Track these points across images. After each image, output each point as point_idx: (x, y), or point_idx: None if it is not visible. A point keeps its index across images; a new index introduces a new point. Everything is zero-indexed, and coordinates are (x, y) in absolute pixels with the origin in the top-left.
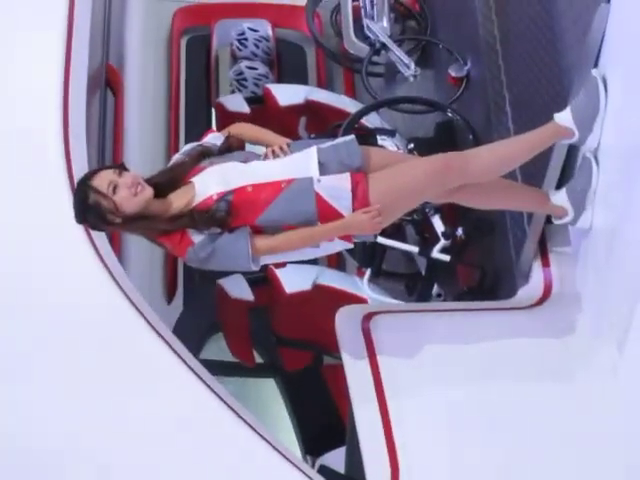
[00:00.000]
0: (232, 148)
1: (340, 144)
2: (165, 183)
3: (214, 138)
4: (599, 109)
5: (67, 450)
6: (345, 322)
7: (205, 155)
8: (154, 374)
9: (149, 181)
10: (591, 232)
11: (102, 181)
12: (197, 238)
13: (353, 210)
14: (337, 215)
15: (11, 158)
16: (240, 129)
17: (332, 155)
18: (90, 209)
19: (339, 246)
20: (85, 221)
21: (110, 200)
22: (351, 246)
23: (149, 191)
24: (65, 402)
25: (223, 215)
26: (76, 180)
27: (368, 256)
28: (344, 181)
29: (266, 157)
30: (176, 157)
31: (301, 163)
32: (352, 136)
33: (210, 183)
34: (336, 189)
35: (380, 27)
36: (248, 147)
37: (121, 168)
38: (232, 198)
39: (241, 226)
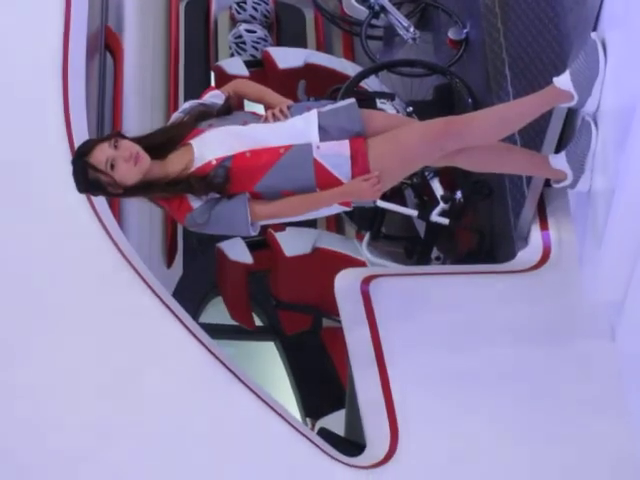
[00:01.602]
0: (231, 109)
1: (340, 108)
2: (164, 143)
3: (214, 96)
4: (598, 72)
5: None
6: (344, 285)
7: (205, 116)
8: (154, 338)
9: (147, 140)
10: (590, 195)
11: (99, 157)
12: (196, 204)
13: (353, 176)
14: (336, 182)
15: (11, 121)
16: (243, 86)
17: (332, 119)
18: (90, 183)
19: (337, 209)
20: (86, 192)
21: (109, 176)
22: (350, 209)
23: (147, 160)
24: (62, 369)
25: (221, 181)
26: (76, 144)
27: (367, 220)
28: (343, 147)
29: (266, 120)
30: (175, 115)
31: (301, 128)
32: (352, 100)
33: (209, 148)
34: (335, 156)
35: None
36: (247, 106)
37: (117, 137)
38: (230, 164)
39: (240, 192)
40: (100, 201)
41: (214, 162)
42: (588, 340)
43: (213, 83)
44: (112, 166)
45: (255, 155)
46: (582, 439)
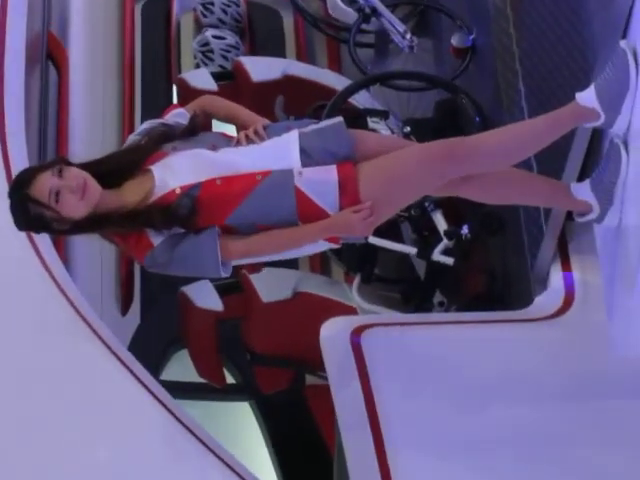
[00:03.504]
0: (197, 129)
1: (326, 128)
2: (118, 170)
3: (177, 115)
4: (629, 87)
5: None
6: (331, 336)
7: (166, 138)
8: (107, 398)
9: (99, 167)
10: (620, 231)
11: (41, 189)
12: (157, 240)
13: (340, 207)
14: (321, 213)
15: None
16: (210, 102)
17: (316, 141)
18: (32, 220)
19: (323, 246)
20: (27, 229)
21: (54, 210)
22: (337, 246)
23: (97, 191)
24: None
25: (186, 213)
26: (14, 173)
27: (357, 259)
28: (330, 174)
29: (238, 142)
30: (131, 138)
31: (280, 151)
32: (340, 118)
33: (172, 174)
34: (320, 183)
35: None
36: (215, 126)
37: (61, 164)
38: (198, 193)
39: (208, 226)
40: (43, 238)
41: (178, 191)
42: (617, 400)
43: (175, 99)
44: (57, 198)
45: (227, 183)
46: None
